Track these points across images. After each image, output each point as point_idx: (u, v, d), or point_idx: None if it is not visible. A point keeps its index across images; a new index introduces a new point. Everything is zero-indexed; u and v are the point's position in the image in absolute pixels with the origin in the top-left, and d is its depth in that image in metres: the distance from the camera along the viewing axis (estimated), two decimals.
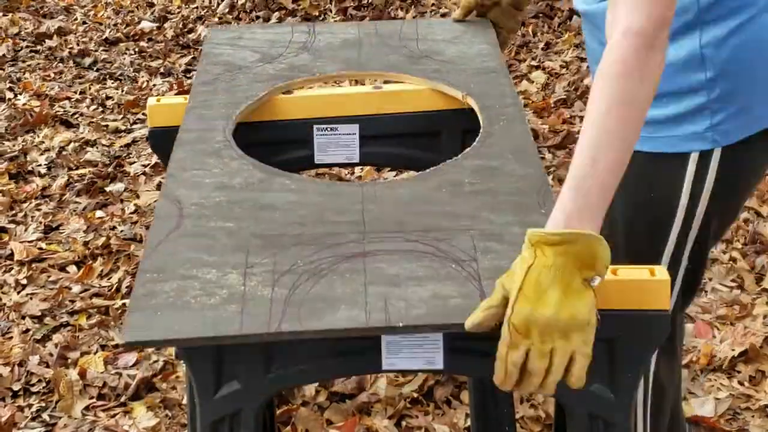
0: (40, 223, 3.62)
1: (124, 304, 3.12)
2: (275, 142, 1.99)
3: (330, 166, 2.13)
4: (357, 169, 3.84)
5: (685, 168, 1.71)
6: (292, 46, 2.18)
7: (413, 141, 1.99)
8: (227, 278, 1.41)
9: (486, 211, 1.54)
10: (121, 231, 3.53)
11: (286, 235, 1.50)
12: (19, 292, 3.21)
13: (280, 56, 2.13)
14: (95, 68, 5.10)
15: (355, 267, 1.42)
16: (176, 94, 4.65)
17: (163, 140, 1.97)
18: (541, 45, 4.95)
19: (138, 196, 3.78)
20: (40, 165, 4.05)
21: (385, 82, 2.05)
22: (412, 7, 5.49)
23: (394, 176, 3.76)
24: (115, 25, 5.66)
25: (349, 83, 3.74)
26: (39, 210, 3.72)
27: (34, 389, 2.80)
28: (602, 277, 1.33)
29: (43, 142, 4.25)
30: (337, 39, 2.17)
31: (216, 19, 5.63)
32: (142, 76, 4.96)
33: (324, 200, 1.60)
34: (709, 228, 1.79)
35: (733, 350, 2.74)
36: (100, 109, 4.62)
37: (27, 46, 5.39)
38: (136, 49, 5.31)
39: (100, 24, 5.70)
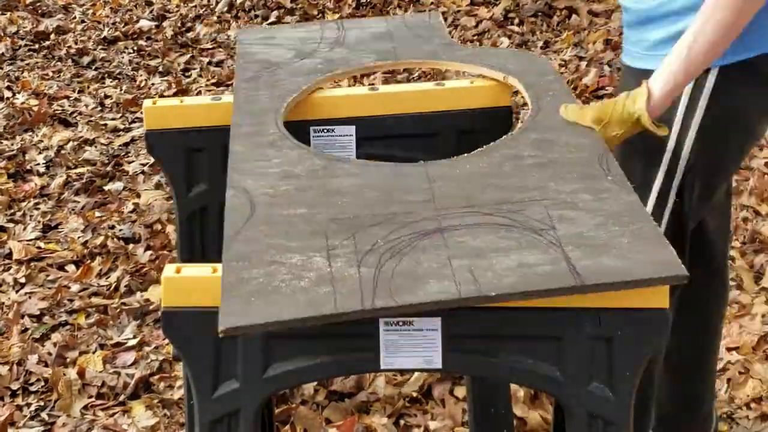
0: (39, 222, 3.62)
1: (123, 303, 3.12)
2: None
3: None
4: None
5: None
6: (325, 41, 2.20)
7: (410, 142, 1.99)
8: (312, 261, 1.41)
9: (553, 181, 1.56)
10: (120, 230, 3.53)
11: (360, 217, 1.51)
12: (17, 291, 3.21)
13: (314, 52, 2.15)
14: (94, 67, 5.10)
15: (435, 243, 1.42)
16: (174, 94, 4.65)
17: (159, 142, 1.98)
18: (540, 44, 4.95)
19: (137, 195, 3.78)
20: (38, 164, 4.04)
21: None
22: (411, 5, 5.49)
23: None
24: (113, 23, 5.66)
25: (350, 80, 3.74)
26: (38, 209, 3.72)
27: (32, 388, 2.80)
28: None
29: (41, 141, 4.24)
30: (366, 33, 2.18)
31: (215, 18, 5.63)
32: (141, 75, 4.96)
33: (389, 182, 1.61)
34: (698, 163, 1.91)
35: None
36: (99, 107, 4.61)
37: (25, 45, 5.39)
38: (135, 48, 5.31)
39: (99, 23, 5.70)
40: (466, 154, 1.68)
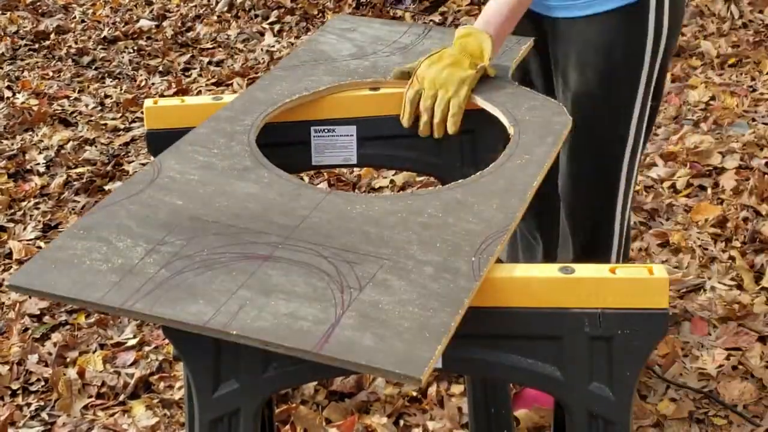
0: (39, 221, 3.62)
1: None
2: (274, 144, 1.99)
3: (327, 167, 2.13)
4: (356, 168, 3.84)
5: (647, 9, 2.11)
6: (394, 45, 2.19)
7: (411, 142, 1.99)
8: (133, 250, 1.46)
9: (417, 245, 1.49)
10: None
11: (217, 223, 1.53)
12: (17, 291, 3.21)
13: (373, 53, 2.15)
14: (94, 67, 5.10)
15: (246, 268, 1.42)
16: (175, 93, 4.65)
17: (160, 142, 1.97)
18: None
19: None
20: (38, 164, 4.04)
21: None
22: (411, 5, 5.49)
23: (393, 174, 3.76)
24: (113, 23, 5.66)
25: None
26: (38, 209, 3.72)
27: (32, 388, 2.80)
28: (485, 65, 1.94)
29: (41, 141, 4.24)
30: (438, 44, 2.12)
31: (215, 18, 5.62)
32: (141, 75, 4.96)
33: (280, 199, 1.60)
34: (667, 63, 2.23)
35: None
36: (99, 107, 4.61)
37: (25, 45, 5.39)
38: (135, 48, 5.30)
39: (99, 22, 5.70)
40: (400, 193, 1.65)
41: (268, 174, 1.68)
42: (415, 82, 1.95)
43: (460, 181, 1.67)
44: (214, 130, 1.83)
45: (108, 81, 4.91)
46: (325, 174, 3.80)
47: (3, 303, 3.16)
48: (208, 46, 5.31)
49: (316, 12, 5.57)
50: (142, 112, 4.39)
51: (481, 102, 1.93)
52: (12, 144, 4.22)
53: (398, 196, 1.65)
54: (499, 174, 1.68)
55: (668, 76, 4.34)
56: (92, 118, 4.47)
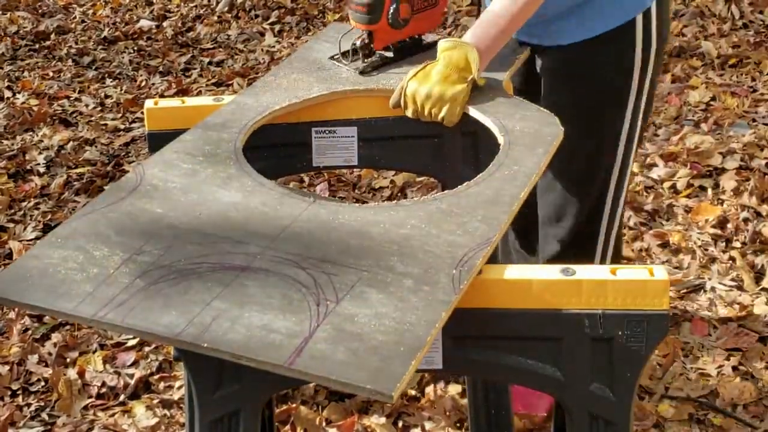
0: (39, 222, 3.62)
1: None
2: (275, 145, 1.99)
3: (328, 168, 2.13)
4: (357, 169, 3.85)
5: (634, 30, 2.08)
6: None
7: (412, 144, 1.99)
8: (110, 259, 1.45)
9: (398, 257, 1.46)
10: None
11: (197, 233, 1.51)
12: None
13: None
14: (94, 67, 5.10)
15: (223, 279, 1.40)
16: (175, 94, 4.65)
17: (161, 143, 1.97)
18: None
19: None
20: (39, 164, 4.04)
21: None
22: None
23: (393, 175, 3.76)
24: (114, 23, 5.66)
25: None
26: (38, 209, 3.72)
27: (33, 388, 2.80)
28: (474, 76, 1.91)
29: (42, 141, 4.24)
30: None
31: (215, 18, 5.62)
32: (141, 75, 4.95)
33: (262, 208, 1.58)
34: (654, 84, 2.19)
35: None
36: (99, 107, 4.61)
37: (26, 45, 5.39)
38: (135, 48, 5.30)
39: (99, 23, 5.70)
40: (385, 203, 1.61)
41: (252, 182, 1.66)
42: (408, 103, 1.92)
43: (445, 192, 1.64)
44: (200, 137, 1.81)
45: (108, 81, 4.91)
46: (325, 175, 3.80)
47: None
48: (209, 46, 5.31)
49: (316, 12, 5.57)
50: (142, 113, 4.39)
51: (473, 112, 1.92)
52: (12, 144, 4.22)
53: (382, 207, 1.61)
54: (486, 185, 1.66)
55: (668, 77, 4.34)
56: (92, 119, 4.47)
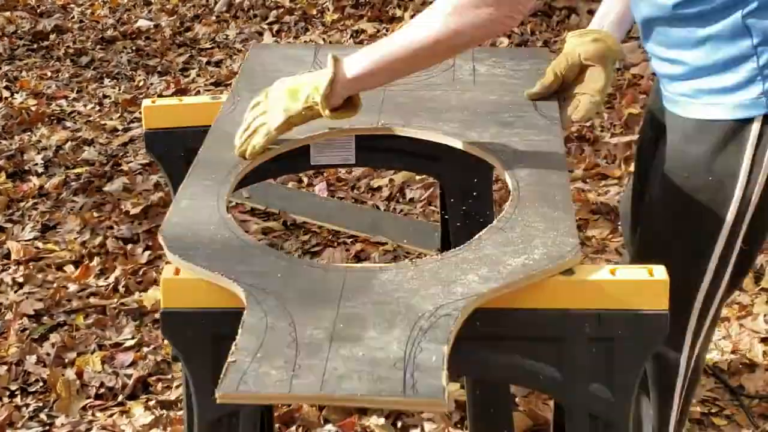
0: (37, 222, 3.62)
1: (121, 304, 3.11)
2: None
3: (326, 167, 2.12)
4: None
5: (746, 135, 1.77)
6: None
7: (410, 144, 1.97)
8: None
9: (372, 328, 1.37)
10: (119, 230, 3.52)
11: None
12: (16, 292, 3.20)
13: None
14: (92, 67, 5.09)
15: None
16: (173, 93, 4.64)
17: (158, 142, 1.97)
18: (539, 43, 4.95)
19: (136, 195, 3.77)
20: (37, 164, 4.04)
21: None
22: (410, 5, 5.49)
23: (392, 174, 3.76)
24: (112, 23, 5.66)
25: None
26: (36, 209, 3.72)
27: (31, 389, 2.79)
28: (311, 103, 1.71)
29: (40, 141, 4.24)
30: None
31: (213, 18, 5.62)
32: (139, 75, 4.95)
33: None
34: (766, 203, 1.83)
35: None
36: (97, 107, 4.61)
37: (24, 45, 5.38)
38: (133, 48, 5.30)
39: (97, 22, 5.69)
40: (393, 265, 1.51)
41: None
42: (262, 95, 1.79)
43: (437, 256, 1.54)
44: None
45: (106, 81, 4.91)
46: (324, 174, 3.80)
47: (1, 303, 3.15)
48: (207, 46, 5.30)
49: (314, 12, 5.57)
50: (140, 113, 4.38)
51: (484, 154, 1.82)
52: (10, 144, 4.22)
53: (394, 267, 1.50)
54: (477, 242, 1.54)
55: None
56: (90, 119, 4.47)
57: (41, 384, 2.80)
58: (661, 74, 1.87)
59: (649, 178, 2.00)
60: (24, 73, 5.00)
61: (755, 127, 1.76)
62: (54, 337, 2.97)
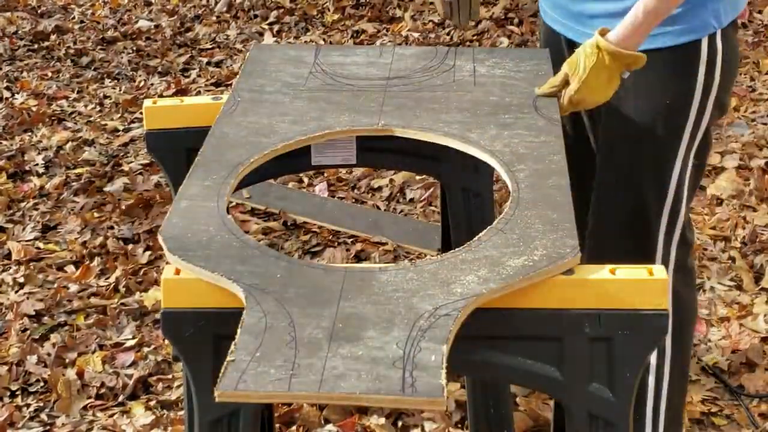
0: (38, 222, 3.62)
1: (122, 304, 3.12)
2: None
3: (327, 167, 2.12)
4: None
5: (698, 55, 1.94)
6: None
7: (410, 144, 1.98)
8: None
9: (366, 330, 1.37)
10: (119, 230, 3.52)
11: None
12: (16, 292, 3.21)
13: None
14: (93, 67, 5.09)
15: None
16: (174, 94, 4.64)
17: (159, 142, 1.97)
18: (539, 44, 4.95)
19: (137, 196, 3.77)
20: (37, 164, 4.04)
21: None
22: (410, 5, 5.49)
23: (392, 174, 3.76)
24: (112, 24, 5.65)
25: None
26: (36, 209, 3.72)
27: (32, 389, 2.79)
28: (630, 71, 1.86)
29: (40, 142, 4.24)
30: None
31: (214, 18, 5.62)
32: (140, 75, 4.95)
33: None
34: (712, 119, 2.01)
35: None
36: (98, 108, 4.61)
37: (24, 45, 5.38)
38: (134, 48, 5.30)
39: (98, 23, 5.69)
40: (394, 265, 1.51)
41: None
42: (569, 105, 1.93)
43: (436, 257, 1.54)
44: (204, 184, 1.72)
45: (107, 81, 4.91)
46: (324, 174, 3.80)
47: (2, 303, 3.15)
48: (208, 46, 5.30)
49: (315, 12, 5.57)
50: (141, 113, 4.38)
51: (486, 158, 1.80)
52: (11, 144, 4.22)
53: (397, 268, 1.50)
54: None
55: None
56: (91, 119, 4.47)
57: (42, 384, 2.80)
58: (597, 14, 1.97)
59: (597, 123, 2.10)
60: (25, 74, 5.00)
61: (704, 48, 1.93)
62: (54, 337, 2.98)
